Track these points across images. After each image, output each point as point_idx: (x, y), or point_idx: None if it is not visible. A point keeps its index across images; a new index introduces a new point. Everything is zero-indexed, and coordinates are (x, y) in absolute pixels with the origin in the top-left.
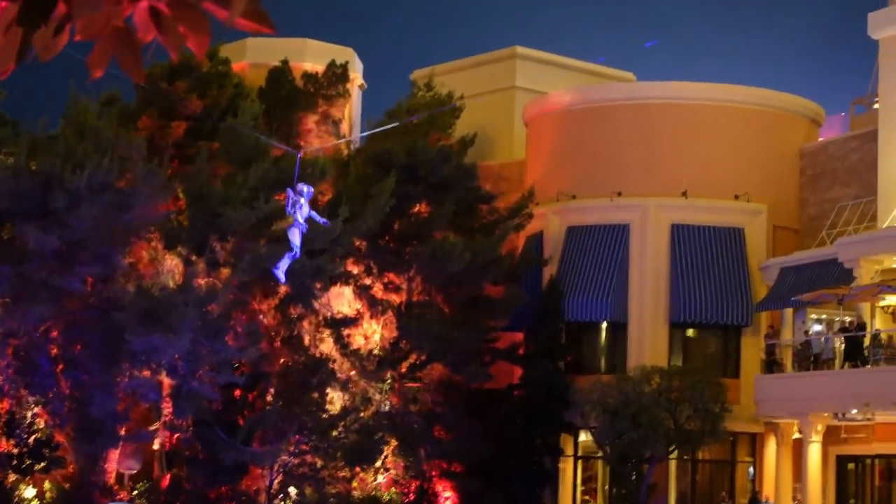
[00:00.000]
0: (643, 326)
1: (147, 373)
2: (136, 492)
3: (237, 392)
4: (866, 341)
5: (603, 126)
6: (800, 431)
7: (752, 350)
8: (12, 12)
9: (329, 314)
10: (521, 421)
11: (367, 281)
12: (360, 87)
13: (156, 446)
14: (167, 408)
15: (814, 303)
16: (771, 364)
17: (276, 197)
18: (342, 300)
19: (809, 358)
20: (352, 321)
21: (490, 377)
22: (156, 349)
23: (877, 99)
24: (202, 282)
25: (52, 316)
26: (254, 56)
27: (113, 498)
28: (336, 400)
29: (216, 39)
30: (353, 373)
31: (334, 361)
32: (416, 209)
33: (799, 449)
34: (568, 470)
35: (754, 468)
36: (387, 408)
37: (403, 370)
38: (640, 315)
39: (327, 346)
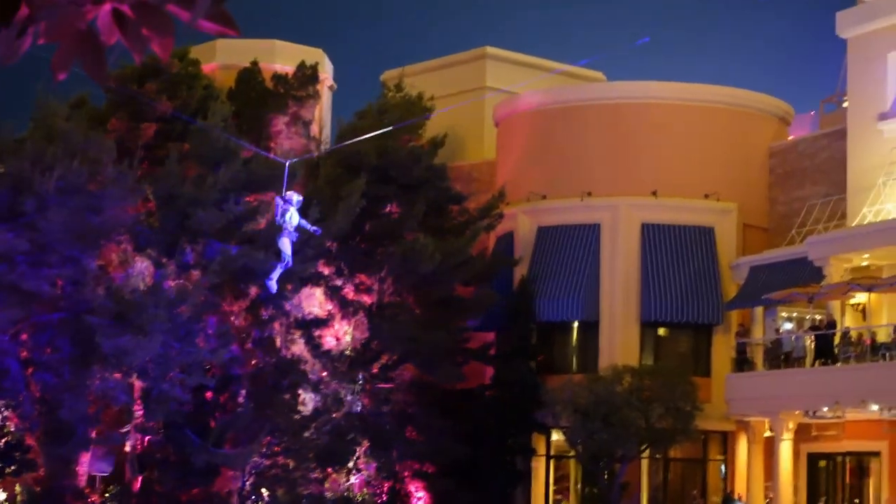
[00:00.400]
0: (614, 326)
1: (118, 375)
2: (107, 494)
3: (208, 394)
4: (836, 339)
5: (573, 126)
6: (771, 429)
7: (723, 349)
8: None
9: (300, 315)
10: (493, 421)
11: (339, 282)
12: (331, 88)
13: (127, 449)
14: (138, 410)
15: (784, 301)
16: (742, 362)
17: (247, 199)
18: (313, 301)
19: (780, 356)
20: (323, 322)
21: (462, 377)
22: (126, 351)
23: (846, 97)
24: (173, 284)
25: (22, 319)
26: (223, 57)
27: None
28: (308, 401)
29: (185, 41)
30: (324, 374)
31: (306, 363)
32: (387, 210)
33: (770, 447)
34: (540, 469)
35: (726, 466)
36: (359, 409)
37: (375, 371)
38: (612, 314)
39: (299, 347)
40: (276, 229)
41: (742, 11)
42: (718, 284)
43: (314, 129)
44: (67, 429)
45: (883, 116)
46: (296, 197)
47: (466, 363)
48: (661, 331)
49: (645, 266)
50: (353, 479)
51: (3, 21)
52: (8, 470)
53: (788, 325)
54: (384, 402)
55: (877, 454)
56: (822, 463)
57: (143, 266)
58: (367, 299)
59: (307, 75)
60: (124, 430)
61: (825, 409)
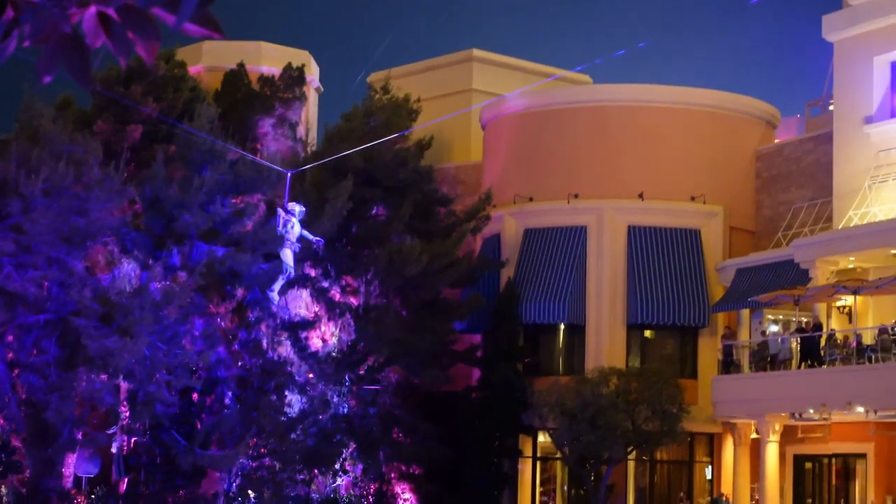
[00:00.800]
0: (601, 328)
1: (104, 377)
2: (93, 496)
3: (195, 396)
4: (822, 342)
5: (559, 129)
6: (757, 431)
7: (709, 351)
8: None
9: (287, 317)
10: (479, 423)
11: (325, 284)
12: (317, 90)
13: (113, 450)
14: (124, 412)
15: (770, 304)
16: (728, 365)
17: (234, 201)
18: (300, 303)
19: (766, 358)
20: (309, 324)
21: (448, 380)
22: (112, 353)
23: (832, 101)
24: (159, 285)
25: (8, 321)
26: (210, 59)
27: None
28: (294, 403)
29: (171, 43)
30: (311, 376)
31: (292, 364)
32: (374, 212)
33: (756, 449)
34: (526, 471)
35: (712, 468)
36: (345, 410)
37: (362, 373)
38: (598, 317)
39: (285, 349)
40: (278, 240)
41: (728, 15)
42: (705, 287)
43: (301, 131)
44: (53, 430)
45: (869, 120)
46: (298, 208)
47: (453, 365)
48: (648, 333)
49: (631, 268)
50: (339, 481)
51: None
52: None
53: (774, 328)
54: (371, 404)
55: (863, 456)
56: (809, 465)
57: (129, 268)
58: (353, 301)
59: (293, 77)
60: (110, 431)
61: (811, 411)
